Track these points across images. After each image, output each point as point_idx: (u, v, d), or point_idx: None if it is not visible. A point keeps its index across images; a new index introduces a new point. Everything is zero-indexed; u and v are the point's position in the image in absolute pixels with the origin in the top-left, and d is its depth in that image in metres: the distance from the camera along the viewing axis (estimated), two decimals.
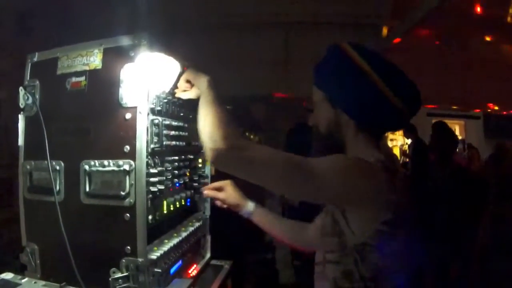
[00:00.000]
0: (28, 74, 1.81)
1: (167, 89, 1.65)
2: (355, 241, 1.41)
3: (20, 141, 1.79)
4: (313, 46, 5.21)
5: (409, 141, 7.83)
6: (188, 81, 1.66)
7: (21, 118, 1.79)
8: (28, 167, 1.75)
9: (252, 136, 6.10)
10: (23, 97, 1.75)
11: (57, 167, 1.66)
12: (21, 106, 1.77)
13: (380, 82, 1.48)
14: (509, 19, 4.88)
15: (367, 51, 1.57)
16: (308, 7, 4.96)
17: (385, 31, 5.16)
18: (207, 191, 1.98)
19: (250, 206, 1.94)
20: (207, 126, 1.46)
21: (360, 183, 1.42)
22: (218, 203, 1.96)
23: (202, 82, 1.58)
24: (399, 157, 8.81)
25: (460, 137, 10.44)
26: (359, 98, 1.52)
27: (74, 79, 1.68)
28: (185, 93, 1.70)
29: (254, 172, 1.46)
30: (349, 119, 1.57)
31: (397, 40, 5.03)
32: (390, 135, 10.68)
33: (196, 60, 1.80)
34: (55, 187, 1.63)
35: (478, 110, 10.37)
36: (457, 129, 11.19)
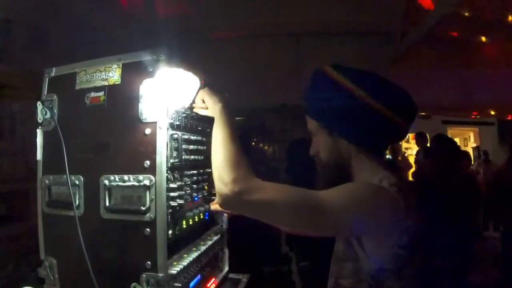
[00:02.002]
0: (46, 88, 1.81)
1: (186, 104, 1.65)
2: (370, 266, 1.38)
3: (39, 155, 1.79)
4: (326, 55, 5.26)
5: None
6: (203, 101, 1.66)
7: (39, 133, 1.79)
8: (47, 181, 1.75)
9: (266, 147, 6.11)
10: (41, 112, 1.76)
11: (77, 182, 1.66)
12: (39, 121, 1.78)
13: (369, 99, 1.45)
14: None
15: (351, 70, 1.55)
16: (320, 16, 4.96)
17: (397, 38, 5.14)
18: (213, 206, 1.96)
19: None
20: (217, 162, 1.47)
21: (378, 211, 1.39)
22: (226, 214, 1.96)
23: (215, 107, 1.58)
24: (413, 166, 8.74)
25: (474, 144, 10.39)
26: (353, 120, 1.49)
27: (93, 94, 1.69)
28: (202, 110, 1.70)
29: (265, 215, 1.46)
30: (348, 144, 1.55)
31: (408, 50, 5.02)
32: (404, 144, 10.62)
33: (209, 70, 1.79)
34: (75, 201, 1.64)
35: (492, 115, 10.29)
36: (472, 136, 11.14)
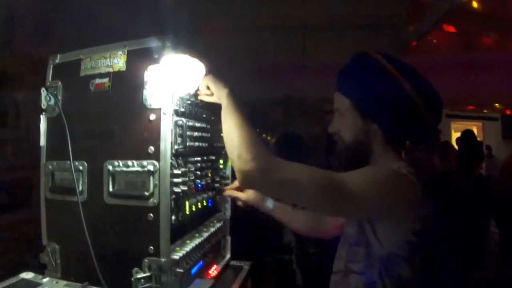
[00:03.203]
0: (50, 75, 1.82)
1: (192, 91, 1.65)
2: (382, 252, 1.39)
3: (42, 141, 1.80)
4: (331, 47, 5.25)
5: None
6: (208, 87, 1.65)
7: (42, 119, 1.81)
8: (50, 167, 1.76)
9: (269, 138, 6.10)
10: (45, 98, 1.76)
11: (80, 167, 1.67)
12: (43, 107, 1.78)
13: (413, 92, 1.45)
14: None
15: (396, 60, 1.54)
16: (325, 9, 4.94)
17: (403, 31, 5.12)
18: (228, 191, 1.99)
19: (270, 203, 1.94)
20: (234, 143, 1.44)
21: (398, 194, 1.39)
22: (240, 203, 1.97)
23: (221, 92, 1.57)
24: None
25: (478, 139, 10.39)
26: (391, 108, 1.48)
27: (98, 81, 1.69)
28: (207, 97, 1.70)
29: (288, 193, 1.44)
30: (377, 129, 1.53)
31: (414, 43, 5.01)
32: None
33: (214, 62, 1.79)
34: (78, 187, 1.64)
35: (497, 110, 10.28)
36: (475, 130, 11.13)
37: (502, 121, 10.02)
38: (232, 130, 1.48)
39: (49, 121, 1.79)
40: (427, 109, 1.47)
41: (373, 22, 5.19)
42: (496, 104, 9.06)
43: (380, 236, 1.39)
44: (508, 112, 9.99)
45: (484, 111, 10.41)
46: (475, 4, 4.57)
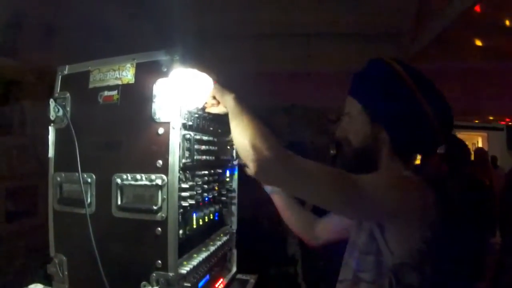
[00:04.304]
0: (59, 86, 1.82)
1: (200, 105, 1.65)
2: (393, 261, 1.39)
3: (50, 152, 1.80)
4: (336, 55, 5.24)
5: None
6: (214, 97, 1.65)
7: (51, 130, 1.81)
8: (58, 179, 1.76)
9: None
10: (54, 109, 1.77)
11: (89, 180, 1.67)
12: (52, 118, 1.78)
13: (425, 103, 1.45)
14: None
15: (412, 68, 1.55)
16: (330, 17, 4.94)
17: (407, 41, 5.11)
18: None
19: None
20: (246, 137, 1.41)
21: (410, 200, 1.39)
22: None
23: (227, 97, 1.55)
24: None
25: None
26: (403, 116, 1.48)
27: (106, 93, 1.70)
28: (213, 108, 1.69)
29: (303, 183, 1.42)
30: (386, 136, 1.53)
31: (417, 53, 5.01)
32: None
33: (219, 70, 1.79)
34: (86, 199, 1.65)
35: (503, 122, 10.25)
36: (480, 141, 11.10)
37: (507, 132, 10.01)
38: (243, 126, 1.45)
39: (58, 132, 1.79)
40: (438, 122, 1.47)
41: (378, 31, 5.19)
42: (501, 115, 9.05)
43: (391, 244, 1.40)
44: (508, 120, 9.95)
45: (490, 118, 10.38)
46: (479, 16, 4.58)
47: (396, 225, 1.40)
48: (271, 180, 1.52)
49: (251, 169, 1.44)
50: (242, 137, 1.43)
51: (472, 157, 7.15)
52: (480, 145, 10.96)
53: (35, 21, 3.66)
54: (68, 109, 1.76)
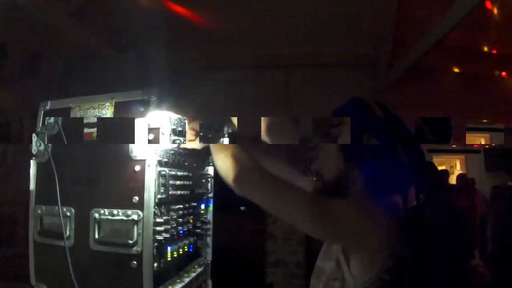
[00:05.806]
0: (41, 121, 1.88)
1: (175, 144, 1.72)
2: (356, 287, 1.42)
3: (32, 185, 1.85)
4: (314, 87, 5.33)
5: None
6: (193, 129, 1.72)
7: (32, 164, 1.85)
8: (39, 211, 1.81)
9: None
10: (36, 144, 1.82)
11: (68, 213, 1.73)
12: (33, 152, 1.83)
13: (400, 149, 1.50)
14: None
15: (390, 111, 1.60)
16: (308, 48, 5.05)
17: (384, 70, 5.22)
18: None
19: None
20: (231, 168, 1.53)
21: (373, 228, 1.42)
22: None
23: (226, 159, 1.59)
24: None
25: (461, 172, 10.47)
26: (379, 161, 1.51)
27: (86, 130, 1.77)
28: (190, 143, 1.77)
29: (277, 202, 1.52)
30: (359, 174, 1.56)
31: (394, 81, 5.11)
32: None
33: (198, 101, 1.86)
34: (65, 232, 1.70)
35: (477, 146, 10.38)
36: (458, 163, 11.19)
37: (484, 154, 10.12)
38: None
39: (39, 166, 1.84)
40: (412, 167, 1.51)
41: (356, 60, 5.30)
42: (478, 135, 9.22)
43: (353, 272, 1.43)
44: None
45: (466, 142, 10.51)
46: (455, 43, 4.72)
47: (358, 252, 1.44)
48: (246, 192, 1.56)
49: (229, 180, 1.54)
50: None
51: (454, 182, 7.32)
52: (458, 167, 11.08)
53: (19, 50, 3.73)
54: (49, 144, 1.82)
